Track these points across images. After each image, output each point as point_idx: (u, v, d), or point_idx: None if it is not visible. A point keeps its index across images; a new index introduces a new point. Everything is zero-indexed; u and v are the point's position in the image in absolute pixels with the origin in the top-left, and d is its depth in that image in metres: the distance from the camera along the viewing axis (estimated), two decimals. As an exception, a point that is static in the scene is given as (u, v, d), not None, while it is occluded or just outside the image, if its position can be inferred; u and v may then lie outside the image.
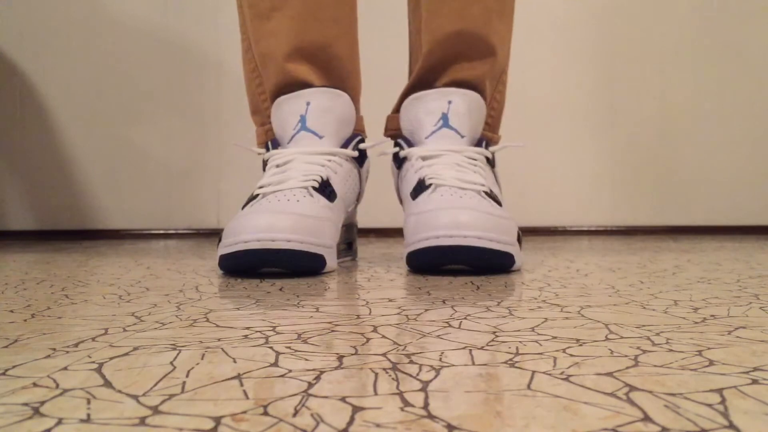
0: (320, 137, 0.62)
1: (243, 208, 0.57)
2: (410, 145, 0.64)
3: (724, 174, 1.32)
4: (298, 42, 0.63)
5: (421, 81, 0.66)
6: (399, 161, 0.65)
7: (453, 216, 0.51)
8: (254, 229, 0.50)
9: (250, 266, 0.52)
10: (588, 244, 1.00)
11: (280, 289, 0.45)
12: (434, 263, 0.53)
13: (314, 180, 0.57)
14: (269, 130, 0.67)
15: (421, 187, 0.59)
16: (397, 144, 0.66)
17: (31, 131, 1.30)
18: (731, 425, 0.17)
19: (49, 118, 1.30)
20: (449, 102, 0.62)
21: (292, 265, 0.51)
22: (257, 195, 0.57)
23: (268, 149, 0.64)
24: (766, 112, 1.32)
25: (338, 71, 0.66)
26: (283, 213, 0.52)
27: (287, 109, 0.63)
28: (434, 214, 0.52)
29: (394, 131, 0.68)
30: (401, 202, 0.64)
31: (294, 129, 0.62)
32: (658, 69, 1.32)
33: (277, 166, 0.60)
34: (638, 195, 1.31)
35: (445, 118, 0.62)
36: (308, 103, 0.62)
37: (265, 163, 0.64)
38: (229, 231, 0.53)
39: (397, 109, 0.68)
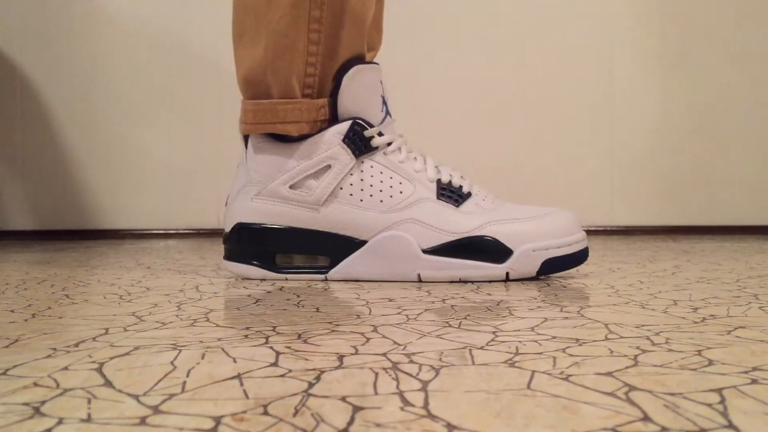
0: (394, 122, 0.55)
1: (442, 197, 0.50)
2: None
3: (724, 174, 1.32)
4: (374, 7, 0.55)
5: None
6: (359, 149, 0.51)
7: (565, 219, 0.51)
8: (574, 227, 0.51)
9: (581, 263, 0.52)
10: (588, 244, 1.00)
11: (280, 289, 0.45)
12: (574, 266, 0.52)
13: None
14: (323, 106, 0.52)
15: (455, 192, 0.51)
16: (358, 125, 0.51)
17: (31, 131, 1.30)
18: (731, 425, 0.17)
19: (49, 118, 1.30)
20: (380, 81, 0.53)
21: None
22: (468, 191, 0.51)
23: (318, 130, 0.51)
24: (766, 112, 1.32)
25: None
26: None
27: (371, 84, 0.52)
28: (552, 218, 0.50)
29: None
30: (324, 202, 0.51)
31: (382, 112, 0.53)
32: (658, 69, 1.32)
33: (410, 152, 0.53)
34: (638, 195, 1.31)
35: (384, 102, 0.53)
36: (382, 82, 0.54)
37: (359, 143, 0.51)
38: (552, 232, 0.49)
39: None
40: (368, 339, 0.28)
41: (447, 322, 0.32)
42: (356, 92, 0.52)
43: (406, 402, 0.19)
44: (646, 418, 0.17)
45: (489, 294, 0.42)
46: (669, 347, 0.26)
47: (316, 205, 0.51)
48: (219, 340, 0.28)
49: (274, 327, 0.31)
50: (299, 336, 0.29)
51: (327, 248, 0.51)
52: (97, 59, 1.30)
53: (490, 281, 0.48)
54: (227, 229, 0.54)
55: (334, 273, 0.50)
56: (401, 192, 0.50)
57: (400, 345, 0.26)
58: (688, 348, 0.25)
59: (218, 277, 0.54)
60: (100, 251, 0.89)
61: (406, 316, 0.34)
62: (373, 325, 0.31)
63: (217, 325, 0.31)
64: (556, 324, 0.31)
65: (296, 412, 0.18)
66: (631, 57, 1.30)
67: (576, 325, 0.31)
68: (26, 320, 0.33)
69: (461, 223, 0.49)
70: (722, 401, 0.19)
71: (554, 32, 1.28)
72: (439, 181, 0.51)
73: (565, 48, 1.28)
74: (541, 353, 0.25)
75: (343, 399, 0.19)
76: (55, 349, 0.26)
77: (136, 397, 0.20)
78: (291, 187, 0.51)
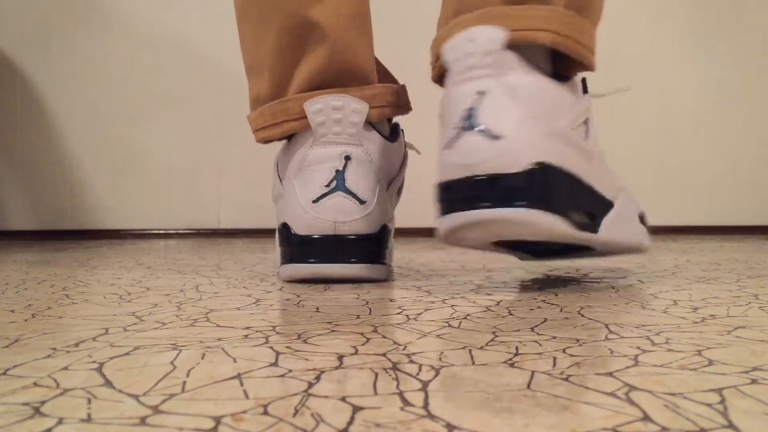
0: None
1: None
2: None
3: (724, 174, 1.32)
4: None
5: None
6: None
7: None
8: None
9: None
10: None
11: (280, 289, 0.45)
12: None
13: None
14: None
15: None
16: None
17: (31, 131, 1.30)
18: (731, 425, 0.17)
19: (49, 118, 1.30)
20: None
21: None
22: None
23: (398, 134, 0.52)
24: (766, 111, 1.32)
25: None
26: None
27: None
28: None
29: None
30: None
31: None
32: (658, 69, 1.32)
33: None
34: (639, 195, 1.31)
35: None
36: None
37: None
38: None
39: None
40: (368, 339, 0.28)
41: (447, 322, 0.32)
42: None
43: (406, 402, 0.19)
44: (646, 418, 0.17)
45: (489, 294, 0.42)
46: (669, 347, 0.26)
47: (590, 156, 0.42)
48: (219, 340, 0.28)
49: (274, 327, 0.31)
50: (299, 336, 0.29)
51: (591, 206, 0.42)
52: (97, 59, 1.29)
53: (490, 281, 0.48)
54: (520, 167, 0.37)
55: (601, 234, 0.41)
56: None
57: (400, 345, 0.26)
58: (688, 348, 0.25)
59: (218, 277, 0.54)
60: (100, 251, 0.89)
61: (406, 316, 0.34)
62: (373, 325, 0.31)
63: (217, 325, 0.31)
64: (556, 324, 0.31)
65: (296, 412, 0.18)
66: (631, 57, 1.30)
67: (576, 325, 0.31)
68: (26, 320, 0.33)
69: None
70: (722, 401, 0.19)
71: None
72: None
73: (565, 48, 1.28)
74: (541, 353, 0.25)
75: (343, 399, 0.19)
76: (55, 349, 0.26)
77: (136, 397, 0.20)
78: (572, 130, 0.41)
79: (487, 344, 0.27)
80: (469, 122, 0.38)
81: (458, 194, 0.39)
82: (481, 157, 0.37)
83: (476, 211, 0.37)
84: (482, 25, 0.40)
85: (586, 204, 0.41)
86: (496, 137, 0.37)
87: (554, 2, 0.42)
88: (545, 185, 0.38)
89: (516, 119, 0.38)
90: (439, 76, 0.46)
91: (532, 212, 0.37)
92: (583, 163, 0.40)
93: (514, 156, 0.37)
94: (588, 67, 0.44)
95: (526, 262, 0.64)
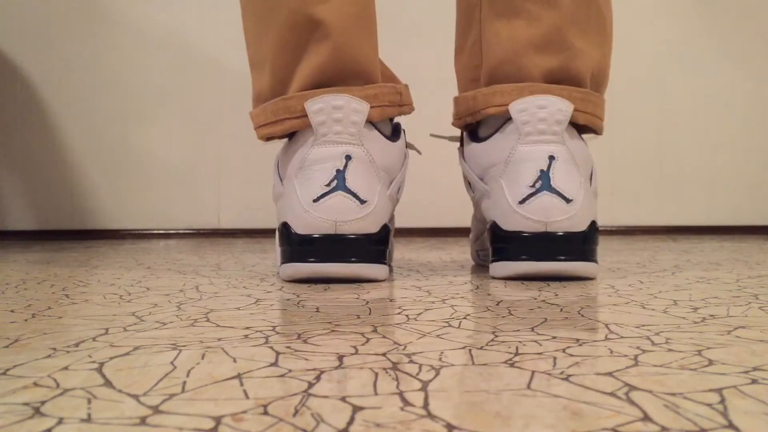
0: None
1: None
2: None
3: (724, 174, 1.32)
4: None
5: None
6: None
7: None
8: None
9: None
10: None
11: (280, 289, 0.45)
12: None
13: None
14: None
15: None
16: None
17: (31, 131, 1.30)
18: (731, 425, 0.17)
19: (49, 118, 1.30)
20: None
21: None
22: None
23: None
24: (766, 111, 1.32)
25: None
26: None
27: None
28: None
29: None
30: None
31: None
32: (658, 69, 1.32)
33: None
34: (638, 195, 1.31)
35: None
36: None
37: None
38: None
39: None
40: (368, 339, 0.28)
41: (447, 322, 0.32)
42: None
43: (406, 402, 0.19)
44: (646, 418, 0.17)
45: (489, 294, 0.42)
46: (669, 347, 0.26)
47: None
48: (219, 340, 0.28)
49: (274, 327, 0.31)
50: (299, 336, 0.29)
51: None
52: (97, 59, 1.29)
53: (490, 281, 0.48)
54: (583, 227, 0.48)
55: None
56: None
57: (400, 345, 0.26)
58: (688, 348, 0.25)
59: (218, 277, 0.54)
60: (100, 251, 0.89)
61: (406, 316, 0.34)
62: (373, 325, 0.31)
63: (217, 325, 0.31)
64: (556, 324, 0.31)
65: (296, 412, 0.18)
66: (631, 57, 1.30)
67: (576, 325, 0.31)
68: (26, 320, 0.33)
69: None
70: (722, 401, 0.19)
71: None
72: None
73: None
74: (541, 353, 0.25)
75: (343, 399, 0.19)
76: (55, 349, 0.26)
77: (136, 397, 0.20)
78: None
79: (487, 344, 0.27)
80: (543, 183, 0.47)
81: (535, 246, 0.47)
82: (557, 217, 0.47)
83: (556, 262, 0.47)
84: (551, 95, 0.49)
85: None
86: (569, 200, 0.47)
87: (584, 84, 0.52)
88: (595, 240, 0.48)
89: (579, 184, 0.48)
90: (464, 126, 0.56)
91: (592, 264, 0.48)
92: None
93: (581, 217, 0.47)
94: (599, 133, 0.55)
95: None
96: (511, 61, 0.51)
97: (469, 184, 0.55)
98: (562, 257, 0.47)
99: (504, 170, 0.49)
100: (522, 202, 0.47)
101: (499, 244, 0.49)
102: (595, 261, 0.49)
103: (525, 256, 0.48)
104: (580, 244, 0.48)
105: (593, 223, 0.48)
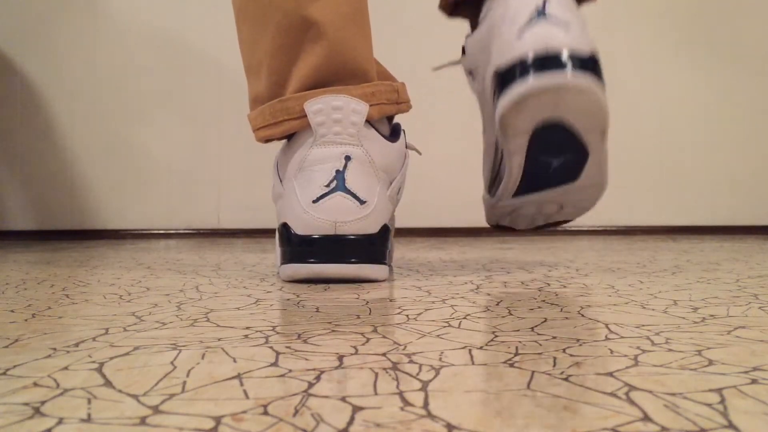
0: None
1: None
2: None
3: (724, 174, 1.32)
4: None
5: None
6: None
7: None
8: None
9: None
10: (588, 244, 1.00)
11: (280, 289, 0.45)
12: None
13: None
14: None
15: None
16: None
17: (31, 131, 1.30)
18: (731, 425, 0.17)
19: (49, 118, 1.30)
20: None
21: None
22: None
23: None
24: (766, 111, 1.32)
25: None
26: None
27: None
28: None
29: None
30: None
31: None
32: (658, 69, 1.32)
33: None
34: (638, 195, 1.31)
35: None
36: None
37: None
38: None
39: None
40: (368, 339, 0.28)
41: (447, 322, 0.32)
42: None
43: (406, 402, 0.19)
44: (646, 418, 0.17)
45: (489, 294, 0.42)
46: (669, 347, 0.26)
47: None
48: (219, 340, 0.28)
49: (274, 327, 0.31)
50: (299, 336, 0.29)
51: None
52: (97, 59, 1.29)
53: (490, 281, 0.48)
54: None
55: None
56: None
57: (400, 345, 0.26)
58: (688, 348, 0.25)
59: (218, 277, 0.54)
60: (100, 251, 0.89)
61: (406, 316, 0.34)
62: (373, 325, 0.31)
63: (217, 325, 0.31)
64: (556, 324, 0.31)
65: (296, 412, 0.18)
66: (631, 57, 1.30)
67: (576, 325, 0.31)
68: (26, 320, 0.33)
69: None
70: (722, 401, 0.19)
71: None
72: None
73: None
74: (541, 353, 0.25)
75: (343, 399, 0.19)
76: (55, 349, 0.26)
77: (136, 397, 0.20)
78: None
79: (487, 344, 0.27)
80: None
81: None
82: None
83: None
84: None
85: None
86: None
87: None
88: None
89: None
90: (450, 4, 0.56)
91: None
92: None
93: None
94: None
95: (524, 260, 0.64)
96: None
97: (470, 74, 0.56)
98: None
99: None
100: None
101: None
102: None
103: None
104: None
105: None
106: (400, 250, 0.85)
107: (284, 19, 0.49)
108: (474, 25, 0.56)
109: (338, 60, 0.50)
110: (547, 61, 0.45)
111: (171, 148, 1.31)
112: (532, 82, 0.45)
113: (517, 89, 0.46)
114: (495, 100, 0.49)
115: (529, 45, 0.45)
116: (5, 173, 1.31)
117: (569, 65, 0.45)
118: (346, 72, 0.50)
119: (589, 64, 0.45)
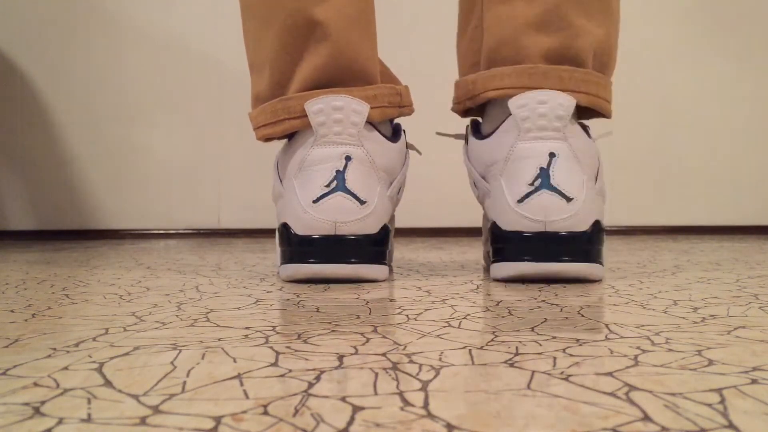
0: None
1: None
2: None
3: (724, 174, 1.32)
4: None
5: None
6: None
7: None
8: None
9: None
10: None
11: (280, 289, 0.45)
12: None
13: None
14: None
15: None
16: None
17: (31, 131, 1.30)
18: (731, 425, 0.17)
19: (49, 118, 1.30)
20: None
21: None
22: None
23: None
24: (766, 111, 1.32)
25: None
26: None
27: None
28: None
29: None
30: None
31: None
32: (658, 69, 1.32)
33: None
34: (638, 195, 1.31)
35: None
36: None
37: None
38: None
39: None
40: (368, 339, 0.28)
41: (447, 322, 0.32)
42: None
43: (406, 402, 0.19)
44: (646, 418, 0.17)
45: (489, 294, 0.42)
46: (669, 347, 0.26)
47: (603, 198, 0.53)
48: (219, 340, 0.28)
49: (274, 327, 0.31)
50: (299, 336, 0.29)
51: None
52: (97, 59, 1.29)
53: (489, 281, 0.48)
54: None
55: None
56: None
57: (400, 345, 0.26)
58: (688, 348, 0.25)
59: (218, 277, 0.54)
60: (100, 251, 0.89)
61: (406, 316, 0.34)
62: (373, 325, 0.31)
63: (217, 325, 0.31)
64: (556, 324, 0.31)
65: (296, 412, 0.18)
66: (630, 57, 1.30)
67: (576, 325, 0.31)
68: (26, 320, 0.33)
69: None
70: (722, 401, 0.19)
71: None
72: None
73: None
74: (541, 353, 0.25)
75: (343, 399, 0.19)
76: (55, 349, 0.26)
77: (136, 397, 0.20)
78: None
79: (487, 344, 0.27)
80: (543, 181, 0.46)
81: (535, 247, 0.46)
82: (556, 216, 0.46)
83: (558, 263, 0.46)
84: (550, 89, 0.47)
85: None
86: (570, 199, 0.46)
87: (586, 64, 0.50)
88: (600, 241, 0.47)
89: (581, 182, 0.47)
90: (464, 112, 0.55)
91: (595, 266, 0.47)
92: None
93: (582, 217, 0.46)
94: (606, 116, 0.52)
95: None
96: (510, 42, 0.50)
97: (473, 183, 0.54)
98: (566, 258, 0.46)
99: (504, 168, 0.48)
100: (521, 200, 0.46)
101: (499, 244, 0.48)
102: (599, 262, 0.47)
103: (526, 257, 0.46)
104: (583, 245, 0.46)
105: (597, 223, 0.47)
106: (400, 250, 0.85)
107: (289, 19, 0.49)
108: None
109: (341, 61, 0.50)
110: (544, 243, 0.46)
111: (171, 148, 1.31)
112: (527, 267, 0.46)
113: (513, 267, 0.47)
114: (491, 249, 0.50)
115: (525, 220, 0.46)
116: (5, 173, 1.31)
117: (567, 250, 0.46)
118: (349, 74, 0.50)
119: (589, 245, 0.46)
